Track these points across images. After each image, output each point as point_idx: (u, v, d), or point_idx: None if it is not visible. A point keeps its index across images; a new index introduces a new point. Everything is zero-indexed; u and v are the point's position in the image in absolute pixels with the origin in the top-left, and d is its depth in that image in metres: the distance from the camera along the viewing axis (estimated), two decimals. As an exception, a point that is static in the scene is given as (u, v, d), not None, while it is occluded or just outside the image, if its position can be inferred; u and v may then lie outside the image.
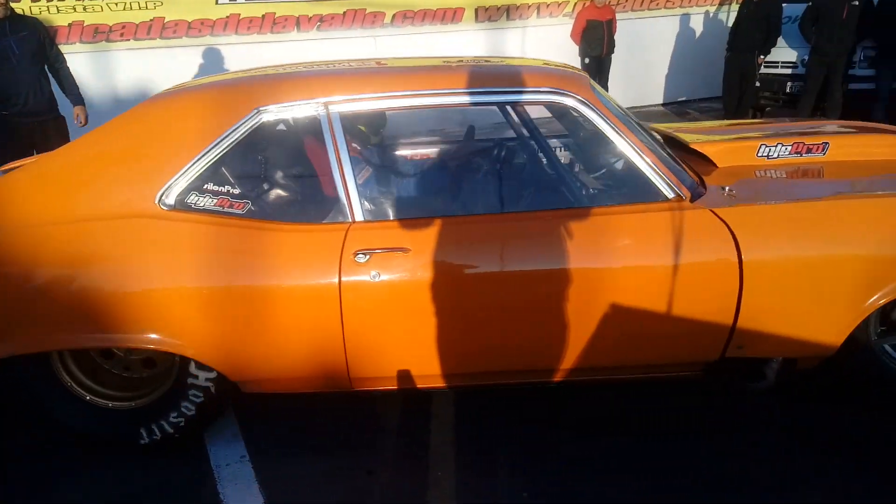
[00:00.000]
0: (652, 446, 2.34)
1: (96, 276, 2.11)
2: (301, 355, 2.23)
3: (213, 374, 2.26)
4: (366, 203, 2.20)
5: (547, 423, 2.49)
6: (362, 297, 2.13)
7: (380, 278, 2.12)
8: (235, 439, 2.48)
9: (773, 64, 7.60)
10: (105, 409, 2.36)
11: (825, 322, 2.25)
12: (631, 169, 2.26)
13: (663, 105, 9.32)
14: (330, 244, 2.14)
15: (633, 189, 2.26)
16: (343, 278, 2.12)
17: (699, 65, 9.22)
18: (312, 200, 2.29)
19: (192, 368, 2.25)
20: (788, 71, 7.29)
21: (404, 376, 2.29)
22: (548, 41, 8.12)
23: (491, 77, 2.29)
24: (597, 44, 7.63)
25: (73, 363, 2.33)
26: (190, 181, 2.17)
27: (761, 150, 2.73)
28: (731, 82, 7.57)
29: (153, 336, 2.14)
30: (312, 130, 2.23)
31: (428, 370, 2.26)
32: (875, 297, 2.22)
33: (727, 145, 2.82)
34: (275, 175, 2.42)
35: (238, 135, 2.18)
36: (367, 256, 2.11)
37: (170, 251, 2.12)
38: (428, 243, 2.15)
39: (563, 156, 2.40)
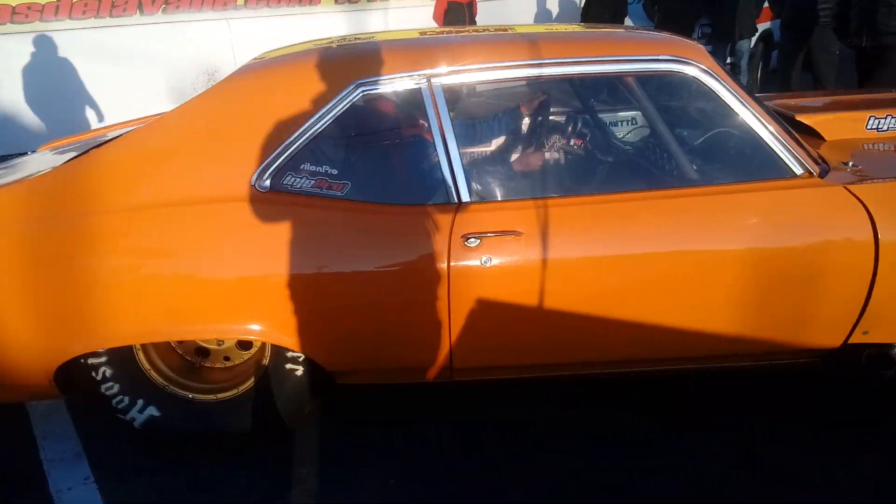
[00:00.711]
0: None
1: (194, 265, 1.99)
2: (402, 344, 2.11)
3: (301, 367, 2.15)
4: (473, 183, 2.06)
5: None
6: (472, 283, 2.01)
7: (491, 263, 1.99)
8: (78, 459, 2.26)
9: None
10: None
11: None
12: (756, 144, 2.09)
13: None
14: (437, 227, 2.01)
15: (758, 165, 2.10)
16: (452, 263, 1.99)
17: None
18: (415, 180, 2.14)
19: (287, 358, 2.15)
20: None
21: (512, 366, 2.17)
22: (410, 23, 7.64)
23: (606, 45, 2.11)
24: (459, 25, 7.35)
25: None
26: (286, 161, 2.03)
27: (870, 122, 2.55)
28: None
29: (254, 327, 2.02)
30: (414, 105, 2.08)
31: (538, 360, 2.14)
32: None
33: (832, 116, 2.64)
34: (374, 153, 2.27)
35: (336, 111, 2.03)
36: (478, 240, 1.98)
37: (271, 237, 1.99)
38: (541, 226, 2.01)
39: (681, 130, 2.24)
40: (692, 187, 2.07)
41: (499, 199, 2.08)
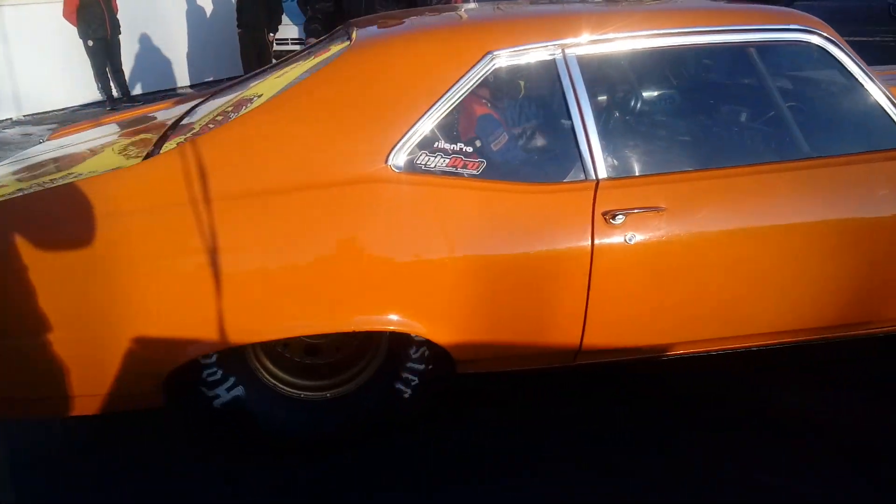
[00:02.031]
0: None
1: (333, 253, 1.84)
2: (536, 328, 2.03)
3: (424, 357, 2.04)
4: (610, 158, 1.99)
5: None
6: (616, 261, 1.94)
7: (634, 240, 1.93)
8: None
9: (284, 41, 7.92)
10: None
11: None
12: (878, 113, 2.11)
13: (191, 87, 8.94)
14: (579, 205, 1.93)
15: (874, 135, 2.12)
16: (596, 241, 1.92)
17: (219, 44, 8.97)
18: (551, 156, 2.05)
19: (411, 347, 2.03)
20: (298, 47, 7.28)
21: (643, 345, 2.13)
22: (32, 24, 7.21)
23: (734, 14, 2.08)
24: (98, 24, 7.23)
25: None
26: (420, 139, 1.90)
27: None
28: (248, 59, 7.66)
29: (393, 317, 1.89)
30: (548, 77, 1.98)
31: (670, 338, 2.11)
32: None
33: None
34: (509, 129, 2.16)
35: (470, 84, 1.91)
36: (623, 217, 1.92)
37: (410, 221, 1.86)
38: (683, 200, 1.97)
39: (808, 101, 2.23)
40: (826, 157, 2.07)
41: (636, 174, 2.02)
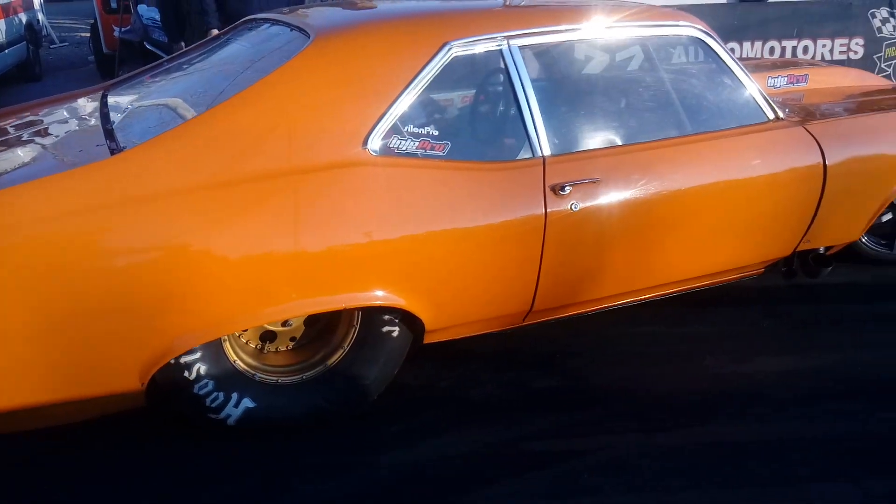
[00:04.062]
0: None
1: (318, 235, 1.90)
2: (500, 292, 2.24)
3: (397, 327, 2.17)
4: (553, 137, 2.24)
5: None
6: (564, 228, 2.21)
7: (577, 207, 2.21)
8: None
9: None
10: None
11: (861, 212, 2.85)
12: (741, 95, 2.58)
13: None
14: (532, 179, 2.17)
15: (744, 112, 2.58)
16: (549, 210, 2.17)
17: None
18: (504, 137, 2.25)
19: (383, 321, 2.14)
20: None
21: (584, 301, 2.42)
22: None
23: (638, 12, 2.43)
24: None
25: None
26: (392, 124, 2.01)
27: (769, 81, 3.26)
28: None
29: (379, 293, 1.99)
30: (497, 66, 2.18)
31: (606, 292, 2.42)
32: (894, 189, 2.85)
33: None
34: (467, 113, 2.30)
35: (433, 72, 2.06)
36: (570, 188, 2.18)
37: (389, 200, 1.98)
38: (613, 171, 2.28)
39: (690, 85, 2.64)
40: (712, 132, 2.49)
41: (575, 150, 2.29)
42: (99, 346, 1.78)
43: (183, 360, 1.90)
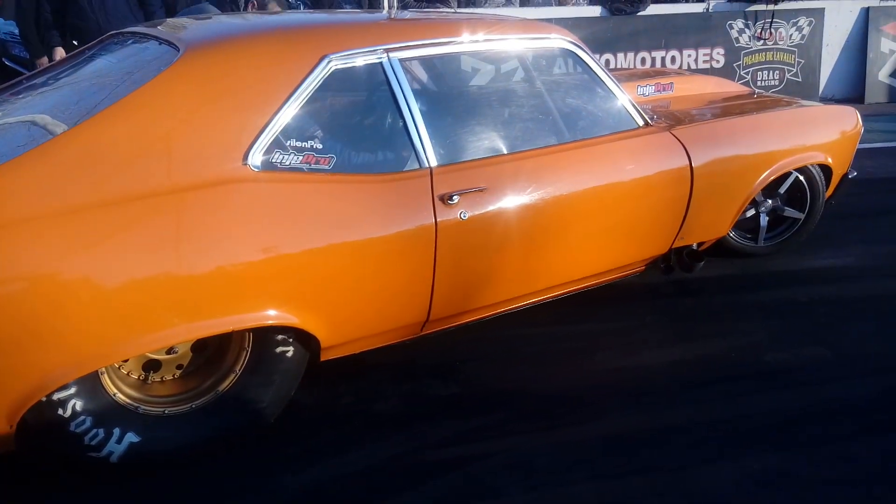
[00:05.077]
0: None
1: (200, 256, 1.82)
2: (395, 304, 2.24)
3: (292, 347, 2.12)
4: (438, 148, 2.27)
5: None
6: (454, 236, 2.24)
7: (466, 216, 2.25)
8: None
9: None
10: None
11: (727, 209, 3.07)
12: (613, 103, 2.72)
13: None
14: (420, 190, 2.19)
15: (616, 120, 2.73)
16: (438, 220, 2.19)
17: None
18: (391, 149, 2.24)
19: (276, 342, 2.09)
20: None
21: (479, 307, 2.46)
22: None
23: (513, 26, 2.51)
24: None
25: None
26: (273, 138, 1.97)
27: (638, 89, 3.46)
28: None
29: (270, 312, 1.94)
30: (379, 78, 2.19)
31: (499, 296, 2.47)
32: (754, 186, 3.09)
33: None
34: (351, 126, 2.27)
35: (313, 85, 2.04)
36: (458, 198, 2.22)
37: (274, 217, 1.93)
38: (498, 179, 2.34)
39: (565, 95, 2.74)
40: (588, 139, 2.60)
41: (460, 160, 2.32)
42: (-43, 390, 1.63)
43: (56, 396, 1.77)
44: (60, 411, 1.80)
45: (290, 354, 2.12)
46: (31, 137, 1.94)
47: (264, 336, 2.07)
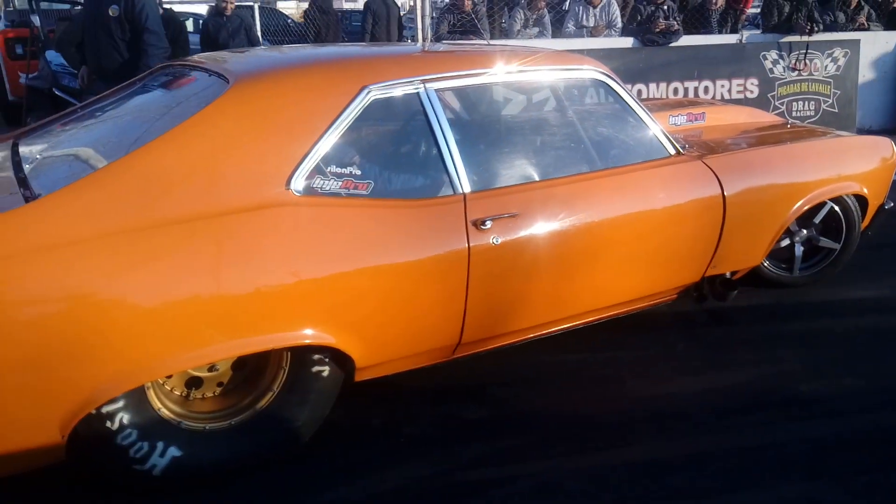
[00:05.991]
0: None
1: (243, 276, 1.90)
2: (428, 327, 2.29)
3: (327, 367, 2.18)
4: (472, 174, 2.34)
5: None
6: (487, 261, 2.29)
7: (499, 241, 2.30)
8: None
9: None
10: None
11: (760, 238, 3.07)
12: (644, 132, 2.77)
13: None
14: (454, 215, 2.25)
15: (647, 149, 2.77)
16: (471, 245, 2.25)
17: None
18: (426, 175, 2.32)
19: (312, 361, 2.15)
20: None
21: (510, 331, 2.50)
22: None
23: (546, 57, 2.59)
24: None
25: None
26: (314, 165, 2.07)
27: (670, 119, 3.50)
28: None
29: (308, 332, 2.01)
30: (415, 107, 2.28)
31: (530, 321, 2.51)
32: (788, 215, 3.09)
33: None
34: (388, 152, 2.37)
35: (353, 114, 2.14)
36: (491, 223, 2.28)
37: (314, 240, 2.01)
38: (530, 206, 2.39)
39: (596, 124, 2.81)
40: (621, 166, 2.65)
41: (494, 187, 2.39)
42: (14, 400, 1.72)
43: (104, 409, 1.85)
44: (108, 424, 1.88)
45: (325, 374, 2.18)
46: (80, 167, 2.07)
47: (301, 355, 2.14)
